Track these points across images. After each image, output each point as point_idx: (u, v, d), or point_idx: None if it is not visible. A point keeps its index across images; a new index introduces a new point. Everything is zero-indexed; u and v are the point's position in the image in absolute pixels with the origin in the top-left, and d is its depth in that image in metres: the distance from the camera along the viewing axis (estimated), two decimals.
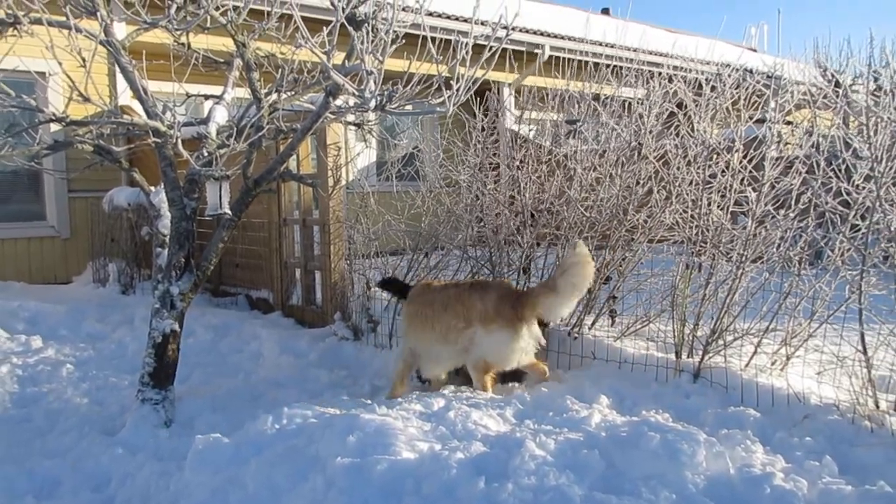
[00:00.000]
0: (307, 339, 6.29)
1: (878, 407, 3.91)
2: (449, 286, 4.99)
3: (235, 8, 4.64)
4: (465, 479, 3.07)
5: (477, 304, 4.56)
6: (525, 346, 4.55)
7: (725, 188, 4.86)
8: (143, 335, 4.71)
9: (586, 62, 6.78)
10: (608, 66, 6.48)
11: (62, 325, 6.84)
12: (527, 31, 12.30)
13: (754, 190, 4.64)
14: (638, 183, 5.43)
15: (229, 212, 4.58)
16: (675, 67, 6.09)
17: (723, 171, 4.88)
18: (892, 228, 4.03)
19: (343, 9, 3.85)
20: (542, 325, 4.75)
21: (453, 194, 6.67)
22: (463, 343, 4.56)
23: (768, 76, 5.72)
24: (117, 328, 6.84)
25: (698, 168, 5.02)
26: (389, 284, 5.50)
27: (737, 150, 4.83)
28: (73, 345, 6.33)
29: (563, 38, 12.71)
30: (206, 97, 5.37)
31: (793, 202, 4.61)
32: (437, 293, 4.84)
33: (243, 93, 4.99)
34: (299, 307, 7.21)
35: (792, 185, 4.61)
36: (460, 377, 4.92)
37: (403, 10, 4.04)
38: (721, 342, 4.63)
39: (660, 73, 5.77)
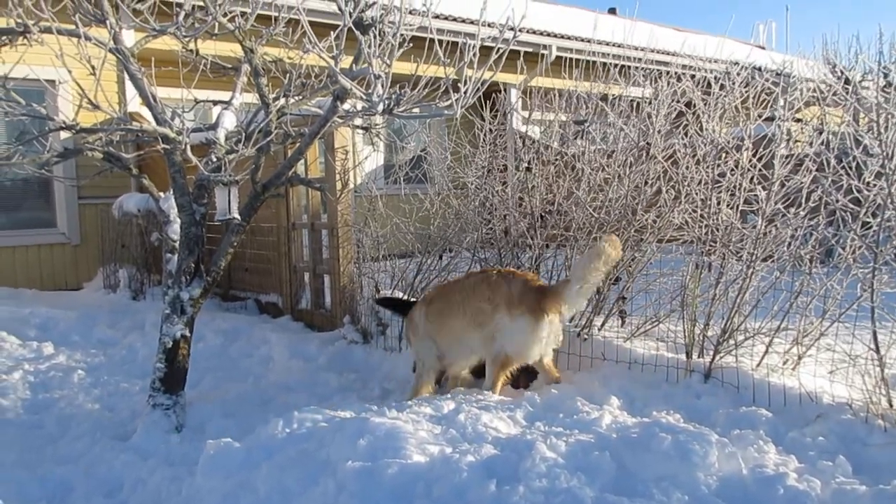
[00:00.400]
0: (317, 342, 6.30)
1: (891, 406, 3.87)
2: (472, 273, 5.06)
3: (243, 14, 4.65)
4: (476, 482, 3.07)
5: (503, 287, 4.53)
6: (546, 339, 4.50)
7: (735, 187, 4.83)
8: (154, 340, 4.73)
9: (594, 62, 6.77)
10: (616, 65, 6.46)
11: (73, 332, 6.88)
12: (534, 32, 12.30)
13: (764, 188, 4.62)
14: (647, 183, 5.41)
15: (238, 217, 4.60)
16: (683, 66, 6.06)
17: (732, 170, 4.86)
18: None
19: (350, 13, 3.86)
20: None
21: (462, 196, 6.67)
22: (489, 329, 4.51)
23: (777, 73, 5.69)
24: (128, 334, 6.87)
25: (707, 167, 5.00)
26: (388, 302, 5.59)
27: (746, 149, 4.81)
28: (85, 351, 6.36)
29: (570, 38, 12.71)
30: (215, 103, 5.39)
31: (803, 200, 4.58)
32: (461, 282, 4.87)
33: (251, 98, 5.01)
34: (308, 311, 7.22)
35: (802, 183, 4.58)
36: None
37: (410, 13, 4.04)
38: (732, 342, 4.61)
39: (668, 73, 5.75)
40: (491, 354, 4.55)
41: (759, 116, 5.04)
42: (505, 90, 7.86)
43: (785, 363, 4.56)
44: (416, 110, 4.19)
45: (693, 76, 5.70)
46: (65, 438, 4.52)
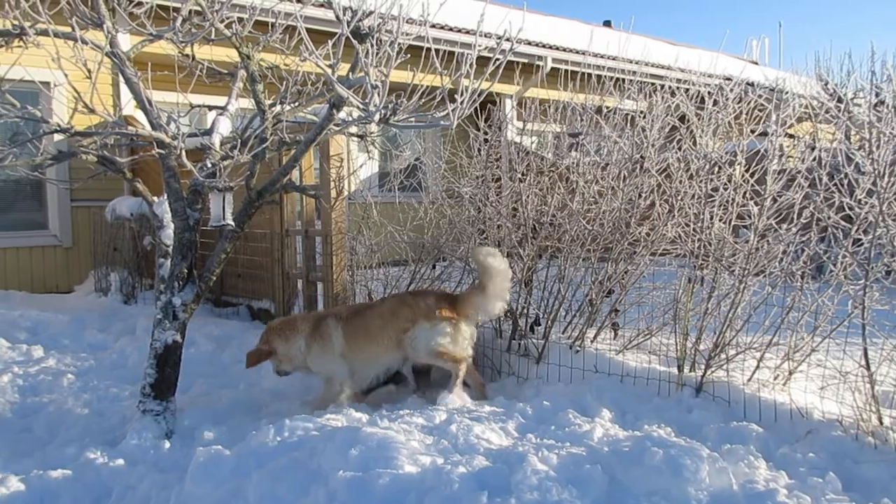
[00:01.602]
0: None
1: (881, 423, 3.89)
2: (386, 299, 5.36)
3: (240, 20, 4.66)
4: (468, 494, 3.06)
5: (420, 304, 4.92)
6: (467, 338, 4.90)
7: (727, 202, 4.86)
8: (145, 345, 4.70)
9: (588, 74, 6.81)
10: (611, 78, 6.49)
11: (64, 335, 6.84)
12: (530, 44, 12.35)
13: (756, 204, 4.64)
14: (640, 196, 5.43)
15: (232, 223, 4.59)
16: (677, 80, 6.09)
17: (725, 185, 4.89)
18: (895, 243, 4.02)
19: (348, 22, 3.87)
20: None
21: (456, 206, 6.67)
22: (410, 342, 4.83)
23: (770, 89, 5.73)
24: (119, 338, 6.83)
25: (700, 181, 5.03)
26: None
27: (739, 164, 4.84)
28: (75, 355, 6.32)
29: (565, 50, 12.77)
30: (210, 108, 5.39)
31: (795, 216, 4.61)
32: (377, 307, 5.10)
33: (247, 104, 5.01)
34: None
35: (794, 199, 4.61)
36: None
37: (408, 22, 4.05)
38: (723, 356, 4.62)
39: (662, 87, 5.77)
40: (426, 352, 4.81)
41: (752, 132, 5.07)
42: (500, 101, 7.90)
43: (776, 378, 4.57)
44: (413, 120, 4.19)
45: (687, 91, 5.73)
46: (53, 443, 4.48)
